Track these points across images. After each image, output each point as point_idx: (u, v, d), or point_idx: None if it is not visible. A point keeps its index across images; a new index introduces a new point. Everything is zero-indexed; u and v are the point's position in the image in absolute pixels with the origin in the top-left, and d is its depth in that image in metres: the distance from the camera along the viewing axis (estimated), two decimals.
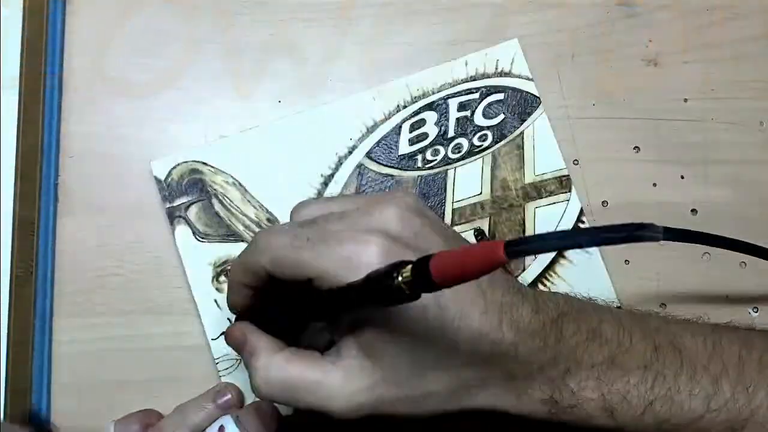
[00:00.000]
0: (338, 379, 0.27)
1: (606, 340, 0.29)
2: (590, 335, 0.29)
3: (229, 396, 0.36)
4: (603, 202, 0.40)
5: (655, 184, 0.41)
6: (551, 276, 0.39)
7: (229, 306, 0.32)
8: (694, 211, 0.41)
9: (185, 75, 0.40)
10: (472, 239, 0.40)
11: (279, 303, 0.30)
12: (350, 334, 0.28)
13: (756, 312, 0.40)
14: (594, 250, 0.39)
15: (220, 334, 0.37)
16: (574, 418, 0.29)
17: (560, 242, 0.20)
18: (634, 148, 0.41)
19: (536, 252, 0.19)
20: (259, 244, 0.28)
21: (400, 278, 0.22)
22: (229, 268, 0.38)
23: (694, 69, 0.42)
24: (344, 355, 0.27)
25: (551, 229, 0.40)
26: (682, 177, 0.41)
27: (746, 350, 0.30)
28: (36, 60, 0.38)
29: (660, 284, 0.40)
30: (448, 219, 0.40)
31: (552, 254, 0.39)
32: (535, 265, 0.39)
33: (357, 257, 0.26)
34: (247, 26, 0.40)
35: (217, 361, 0.37)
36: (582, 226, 0.40)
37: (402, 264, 0.22)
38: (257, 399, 0.35)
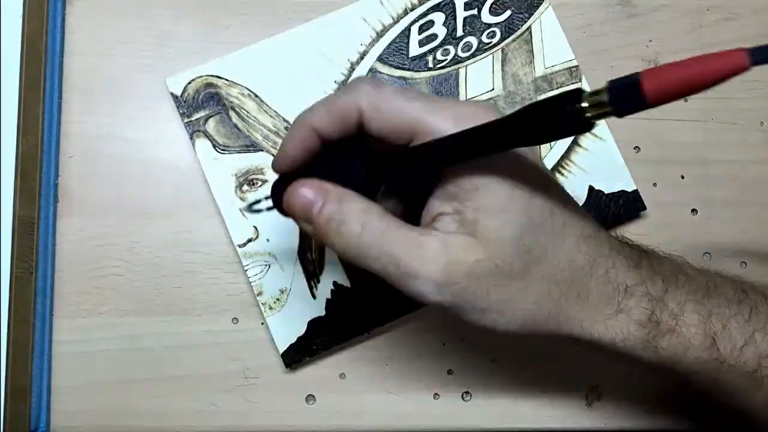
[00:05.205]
0: (437, 245, 0.25)
1: (694, 277, 0.28)
2: (678, 270, 0.28)
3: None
4: None
5: (655, 184, 0.41)
6: (567, 165, 0.40)
7: (275, 165, 0.28)
8: (694, 211, 0.41)
9: None
10: None
11: (347, 163, 0.27)
12: (445, 210, 0.26)
13: None
14: (608, 134, 0.40)
15: (247, 241, 0.38)
16: (671, 350, 0.27)
17: None
18: (634, 148, 0.41)
19: None
20: (362, 87, 0.26)
21: (585, 104, 0.21)
22: (252, 177, 0.38)
23: None
24: (442, 230, 0.25)
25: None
26: (682, 177, 0.41)
27: None
28: (36, 60, 0.38)
29: None
30: None
31: (567, 142, 0.40)
32: (551, 154, 0.40)
33: (477, 115, 0.25)
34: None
35: (246, 267, 0.38)
36: None
37: (578, 91, 0.21)
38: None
